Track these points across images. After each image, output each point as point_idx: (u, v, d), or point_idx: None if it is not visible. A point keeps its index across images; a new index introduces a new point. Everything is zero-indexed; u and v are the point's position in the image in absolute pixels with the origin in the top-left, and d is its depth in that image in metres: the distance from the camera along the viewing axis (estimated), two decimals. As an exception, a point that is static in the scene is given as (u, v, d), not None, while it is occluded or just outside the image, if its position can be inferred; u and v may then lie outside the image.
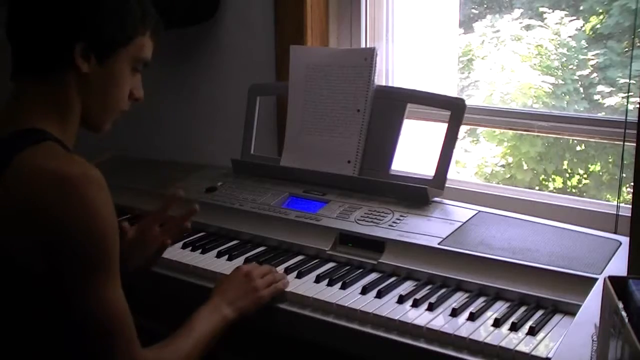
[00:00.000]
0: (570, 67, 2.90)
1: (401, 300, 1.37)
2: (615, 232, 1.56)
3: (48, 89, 1.21)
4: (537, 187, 2.89)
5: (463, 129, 1.80)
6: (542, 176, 2.98)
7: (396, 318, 1.30)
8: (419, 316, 1.31)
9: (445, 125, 1.69)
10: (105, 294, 1.12)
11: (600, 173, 2.85)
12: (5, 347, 1.17)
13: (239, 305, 1.38)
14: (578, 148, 2.92)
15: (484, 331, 1.25)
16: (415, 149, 2.00)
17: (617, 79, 2.64)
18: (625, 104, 1.73)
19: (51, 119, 1.20)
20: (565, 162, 2.96)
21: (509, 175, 3.00)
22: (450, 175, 1.71)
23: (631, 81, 1.73)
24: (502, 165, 3.04)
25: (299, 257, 1.61)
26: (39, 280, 1.11)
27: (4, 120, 1.20)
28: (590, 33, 2.81)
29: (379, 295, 1.39)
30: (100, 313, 1.12)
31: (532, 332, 1.24)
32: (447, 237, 1.53)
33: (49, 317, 1.14)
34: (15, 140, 1.14)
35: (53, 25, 1.18)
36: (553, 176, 2.98)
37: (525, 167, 2.95)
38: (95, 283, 1.11)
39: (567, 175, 2.97)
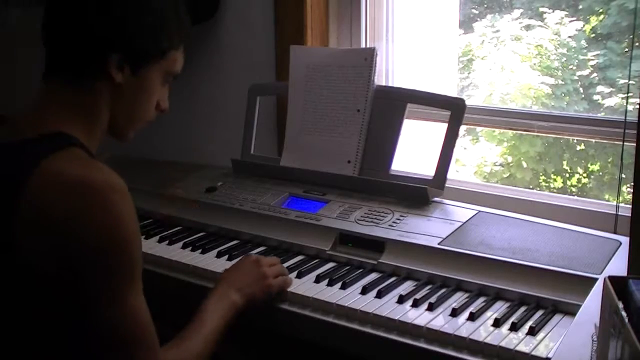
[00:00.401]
0: (570, 67, 2.90)
1: (401, 300, 1.37)
2: (615, 232, 1.56)
3: (79, 94, 1.21)
4: (537, 188, 2.89)
5: (462, 128, 1.80)
6: (542, 176, 2.98)
7: (396, 318, 1.30)
8: (419, 316, 1.31)
9: (445, 125, 1.69)
10: (128, 302, 1.12)
11: (600, 173, 2.85)
12: (18, 354, 1.16)
13: (248, 291, 1.38)
14: (578, 148, 2.92)
15: (484, 331, 1.25)
16: (415, 149, 2.00)
17: (617, 79, 2.64)
18: (625, 104, 1.73)
19: (78, 124, 1.20)
20: (565, 162, 2.96)
21: (508, 174, 3.00)
22: (450, 174, 1.71)
23: (631, 81, 1.73)
24: (502, 165, 3.05)
25: (299, 257, 1.61)
26: (59, 286, 1.10)
27: (31, 121, 1.20)
28: (590, 33, 2.81)
29: (379, 295, 1.39)
30: (124, 321, 1.11)
31: (532, 332, 1.24)
32: (447, 237, 1.53)
33: (68, 323, 1.13)
34: (42, 143, 1.14)
35: (92, 35, 1.18)
36: (553, 177, 2.98)
37: (525, 166, 2.96)
38: (119, 291, 1.11)
39: (567, 175, 2.98)
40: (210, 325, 1.29)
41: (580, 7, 2.82)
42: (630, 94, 1.72)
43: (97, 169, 1.13)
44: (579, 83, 2.88)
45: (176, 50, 1.27)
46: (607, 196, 2.74)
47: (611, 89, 2.68)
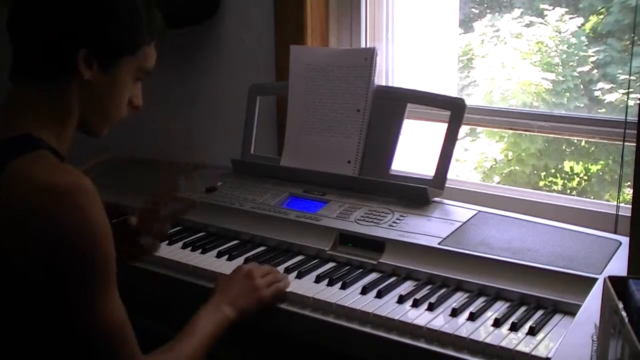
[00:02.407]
0: (571, 63, 2.90)
1: (401, 300, 1.37)
2: (615, 232, 1.56)
3: (48, 93, 1.18)
4: (537, 185, 2.89)
5: (463, 129, 1.79)
6: (543, 174, 2.98)
7: (396, 318, 1.30)
8: (419, 316, 1.31)
9: (445, 125, 1.69)
10: (103, 305, 1.11)
11: (600, 173, 2.85)
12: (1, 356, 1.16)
13: (240, 304, 1.37)
14: (579, 145, 2.92)
15: (484, 331, 1.26)
16: (415, 149, 2.00)
17: (618, 75, 2.64)
18: (626, 100, 1.73)
19: (48, 125, 1.18)
20: (565, 159, 2.96)
21: (508, 171, 3.00)
22: (450, 174, 1.71)
23: (631, 77, 1.73)
24: (502, 162, 3.05)
25: (299, 257, 1.61)
26: (34, 290, 1.09)
27: None
28: (590, 32, 2.81)
29: (379, 295, 1.39)
30: (100, 325, 1.11)
31: (532, 332, 1.24)
32: (447, 237, 1.53)
33: (46, 327, 1.12)
34: (8, 147, 1.12)
35: (58, 29, 1.15)
36: (554, 179, 2.99)
37: (525, 162, 2.96)
38: (92, 294, 1.10)
39: (567, 176, 2.98)
40: (199, 336, 1.28)
41: (581, 5, 2.82)
42: (630, 90, 1.72)
43: (64, 172, 1.11)
44: (580, 79, 2.88)
45: (147, 45, 1.24)
46: (607, 196, 2.74)
47: (612, 85, 2.68)
